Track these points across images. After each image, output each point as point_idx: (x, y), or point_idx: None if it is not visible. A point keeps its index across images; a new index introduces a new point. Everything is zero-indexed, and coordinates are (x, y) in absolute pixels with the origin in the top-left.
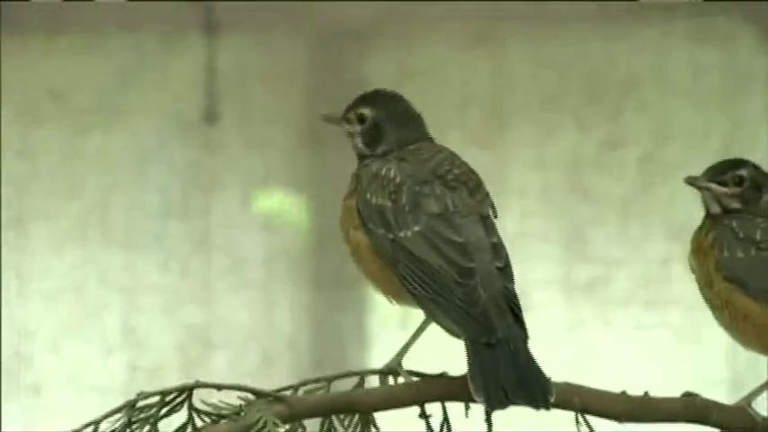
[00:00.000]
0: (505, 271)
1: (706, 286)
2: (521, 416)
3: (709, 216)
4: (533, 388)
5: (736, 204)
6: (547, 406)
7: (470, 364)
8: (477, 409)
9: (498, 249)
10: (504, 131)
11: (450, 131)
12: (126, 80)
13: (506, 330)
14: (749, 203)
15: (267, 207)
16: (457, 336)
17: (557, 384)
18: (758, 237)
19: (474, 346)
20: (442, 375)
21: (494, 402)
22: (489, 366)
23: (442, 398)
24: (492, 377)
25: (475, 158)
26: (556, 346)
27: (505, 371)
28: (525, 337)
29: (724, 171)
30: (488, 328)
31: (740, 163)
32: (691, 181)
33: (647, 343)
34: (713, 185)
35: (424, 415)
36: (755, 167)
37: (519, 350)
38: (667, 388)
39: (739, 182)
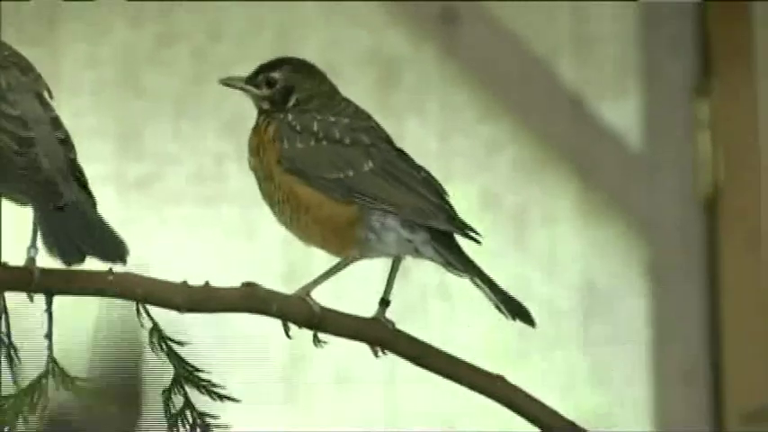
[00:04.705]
0: (67, 143)
1: (267, 180)
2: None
3: (262, 113)
4: (108, 245)
5: (266, 106)
6: (123, 260)
7: (41, 227)
8: (39, 299)
9: (58, 122)
10: (56, 28)
11: (0, 28)
12: None
13: (73, 197)
14: (276, 105)
15: None
16: (24, 205)
17: (117, 275)
18: (315, 128)
19: (42, 211)
20: (2, 265)
21: (69, 257)
22: (60, 226)
23: (1, 287)
24: (64, 235)
25: (27, 56)
26: None
27: (78, 229)
28: (94, 203)
29: (258, 73)
30: (54, 192)
31: (277, 64)
32: (226, 82)
33: (202, 240)
34: (249, 87)
35: None
36: (294, 67)
37: (89, 212)
38: (224, 285)
39: (271, 84)
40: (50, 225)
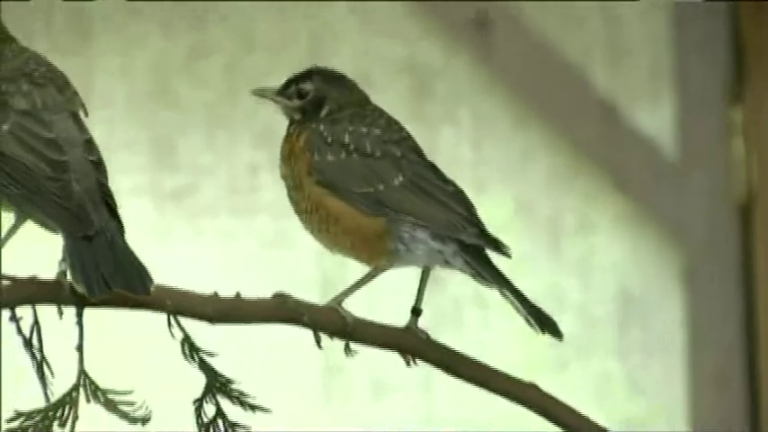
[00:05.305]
0: (99, 166)
1: (296, 189)
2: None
3: (294, 122)
4: (132, 275)
5: (298, 117)
6: (147, 291)
7: (69, 256)
8: (69, 312)
9: (91, 145)
10: (89, 40)
11: (34, 39)
12: None
13: (103, 223)
14: (308, 115)
15: None
16: (54, 231)
17: None
18: (346, 140)
19: (71, 239)
20: (33, 278)
21: (94, 289)
22: (88, 256)
23: (32, 300)
24: (91, 266)
25: (60, 67)
26: (147, 256)
27: (104, 259)
28: (122, 230)
29: (289, 84)
30: (84, 220)
31: (307, 75)
32: (258, 93)
33: (235, 251)
34: (280, 99)
35: (14, 318)
36: (325, 77)
37: (116, 241)
38: (259, 295)
39: (302, 95)
40: (79, 255)
